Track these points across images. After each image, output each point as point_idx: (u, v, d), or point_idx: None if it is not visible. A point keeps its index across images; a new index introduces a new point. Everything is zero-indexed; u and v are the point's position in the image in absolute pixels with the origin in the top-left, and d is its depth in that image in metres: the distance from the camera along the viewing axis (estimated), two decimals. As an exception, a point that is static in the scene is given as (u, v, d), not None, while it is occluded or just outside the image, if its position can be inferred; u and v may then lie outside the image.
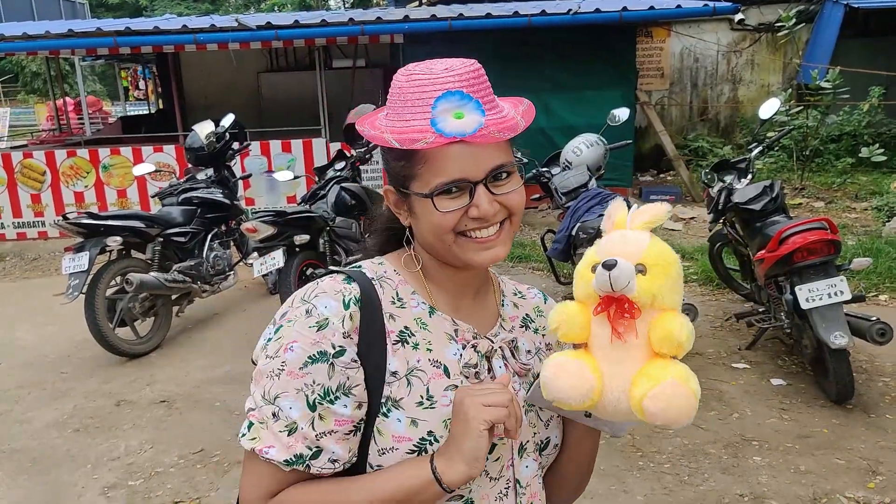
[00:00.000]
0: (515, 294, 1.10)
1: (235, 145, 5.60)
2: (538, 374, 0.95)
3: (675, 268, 0.86)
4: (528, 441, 0.98)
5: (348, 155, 5.60)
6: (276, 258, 4.38)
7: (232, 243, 5.59)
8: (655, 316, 0.84)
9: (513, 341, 1.00)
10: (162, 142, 8.29)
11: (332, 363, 0.86)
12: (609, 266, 0.82)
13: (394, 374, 0.90)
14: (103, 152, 8.06)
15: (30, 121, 20.87)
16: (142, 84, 19.36)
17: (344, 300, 0.89)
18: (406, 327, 0.93)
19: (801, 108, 8.41)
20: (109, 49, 7.79)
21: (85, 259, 4.19)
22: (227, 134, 5.49)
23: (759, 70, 10.85)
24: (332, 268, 0.97)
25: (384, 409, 0.89)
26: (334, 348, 0.86)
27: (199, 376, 4.28)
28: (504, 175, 0.91)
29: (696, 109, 11.05)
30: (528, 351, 1.04)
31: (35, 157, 8.02)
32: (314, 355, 0.86)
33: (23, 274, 7.11)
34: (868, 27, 10.49)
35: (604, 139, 4.81)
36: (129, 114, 14.88)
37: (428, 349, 0.93)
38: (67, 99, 18.13)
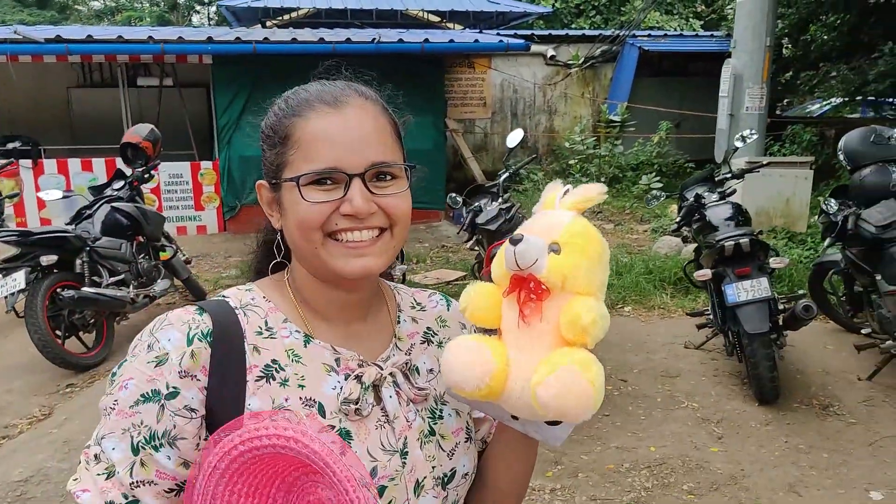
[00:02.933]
0: (414, 307, 1.00)
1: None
2: (440, 396, 0.92)
3: (595, 247, 0.78)
4: (424, 477, 0.87)
5: (127, 174, 5.49)
6: (18, 279, 4.20)
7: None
8: (568, 300, 0.76)
9: (406, 363, 0.90)
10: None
11: (162, 405, 0.77)
12: (515, 241, 0.76)
13: (255, 416, 0.79)
14: None
15: None
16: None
17: (189, 334, 0.79)
18: (274, 360, 0.83)
19: (594, 138, 9.25)
20: None
21: None
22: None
23: (571, 103, 11.79)
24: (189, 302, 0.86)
25: None
26: (167, 388, 0.77)
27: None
28: (388, 177, 0.84)
29: (516, 137, 11.79)
30: (431, 370, 0.94)
31: None
32: (147, 393, 0.77)
33: None
34: (662, 67, 11.73)
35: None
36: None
37: (300, 385, 0.82)
38: None
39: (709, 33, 12.91)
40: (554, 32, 12.39)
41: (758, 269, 3.76)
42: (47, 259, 4.31)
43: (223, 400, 0.79)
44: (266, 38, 7.42)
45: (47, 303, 4.32)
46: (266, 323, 0.85)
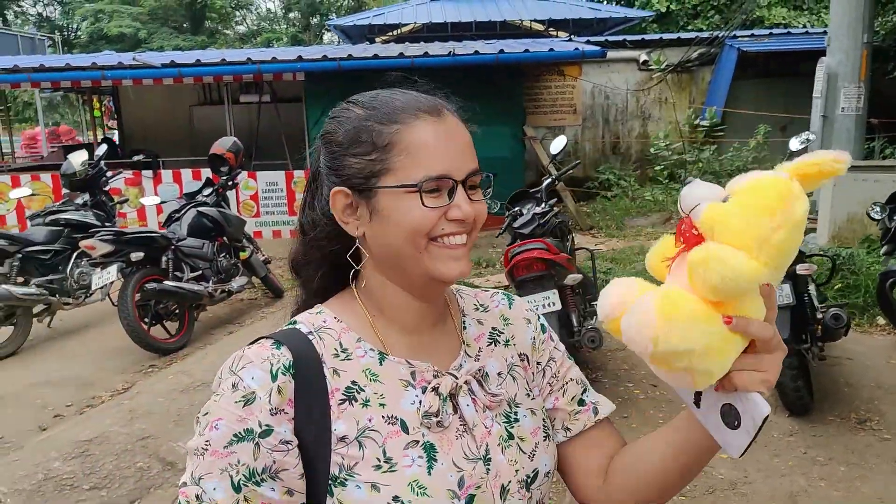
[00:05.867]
0: (477, 308, 1.00)
1: (110, 173, 6.13)
2: (513, 398, 0.93)
3: (762, 199, 0.68)
4: (510, 481, 0.87)
5: (214, 183, 6.16)
6: (111, 272, 4.90)
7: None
8: (710, 243, 0.69)
9: (480, 370, 0.91)
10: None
11: (257, 443, 0.78)
12: (686, 184, 0.74)
13: (342, 438, 0.81)
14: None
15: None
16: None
17: (272, 370, 0.80)
18: (353, 382, 0.84)
19: (679, 143, 9.01)
20: (31, 83, 8.45)
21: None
22: (101, 162, 6.03)
23: (667, 108, 11.48)
24: (261, 336, 0.86)
25: (340, 479, 0.80)
26: (260, 426, 0.78)
27: (33, 379, 4.73)
28: (475, 186, 0.88)
29: (608, 144, 11.66)
30: (500, 373, 0.94)
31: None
32: (240, 433, 0.78)
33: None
34: (769, 68, 11.14)
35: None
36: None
37: (381, 404, 0.84)
38: (38, 128, 18.93)
39: (822, 30, 12.06)
40: (647, 37, 12.13)
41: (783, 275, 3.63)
42: (136, 256, 4.97)
43: (310, 427, 0.80)
44: (350, 56, 7.96)
45: (137, 294, 4.98)
46: (341, 344, 0.86)
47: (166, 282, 5.05)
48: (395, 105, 0.86)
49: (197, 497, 0.77)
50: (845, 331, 3.77)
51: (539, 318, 1.03)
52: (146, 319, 5.10)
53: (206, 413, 0.80)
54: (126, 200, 6.95)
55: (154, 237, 5.17)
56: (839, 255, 5.70)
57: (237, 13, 41.87)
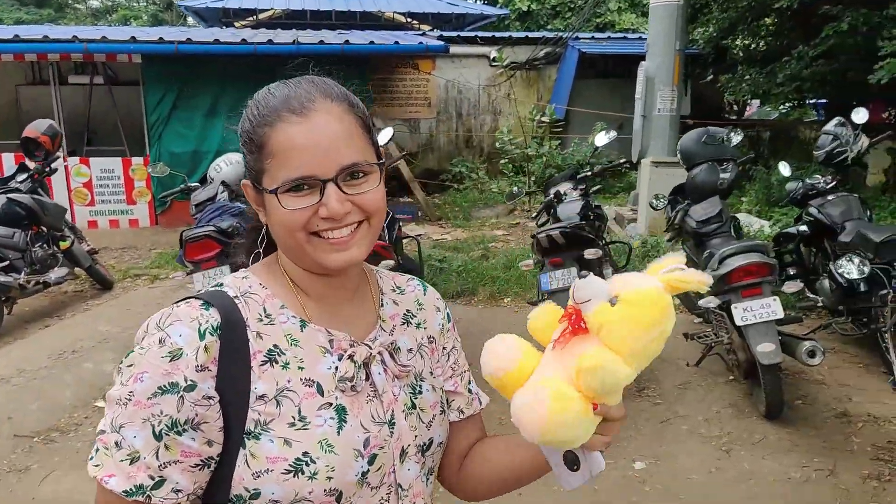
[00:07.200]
0: (394, 290, 1.06)
1: None
2: (419, 373, 1.00)
3: (646, 317, 0.79)
4: (409, 445, 0.95)
5: (31, 168, 5.75)
6: None
7: None
8: (595, 346, 0.80)
9: (392, 343, 0.97)
10: None
11: (181, 396, 0.82)
12: (582, 276, 0.85)
13: (261, 397, 0.86)
14: None
15: None
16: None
17: (199, 329, 0.83)
18: (275, 345, 0.89)
19: (521, 139, 9.50)
20: None
21: None
22: None
23: (516, 103, 12.04)
24: (190, 295, 0.90)
25: (254, 433, 0.85)
26: (186, 381, 0.82)
27: None
28: (360, 175, 0.87)
29: (461, 137, 12.04)
30: (410, 349, 1.01)
31: None
32: (164, 386, 0.81)
33: None
34: (606, 69, 11.97)
35: (250, 158, 5.28)
36: None
37: (299, 367, 0.89)
38: None
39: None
40: (497, 34, 12.61)
41: (572, 259, 3.99)
42: (-71, 247, 4.57)
43: (232, 384, 0.84)
44: (189, 39, 7.67)
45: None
46: (265, 310, 0.90)
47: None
48: (270, 104, 0.87)
49: (116, 444, 0.81)
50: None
51: (447, 308, 1.11)
52: (-57, 315, 4.71)
53: (131, 365, 0.83)
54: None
55: (-49, 227, 4.77)
56: (646, 241, 6.31)
57: (90, -14, 38.64)
